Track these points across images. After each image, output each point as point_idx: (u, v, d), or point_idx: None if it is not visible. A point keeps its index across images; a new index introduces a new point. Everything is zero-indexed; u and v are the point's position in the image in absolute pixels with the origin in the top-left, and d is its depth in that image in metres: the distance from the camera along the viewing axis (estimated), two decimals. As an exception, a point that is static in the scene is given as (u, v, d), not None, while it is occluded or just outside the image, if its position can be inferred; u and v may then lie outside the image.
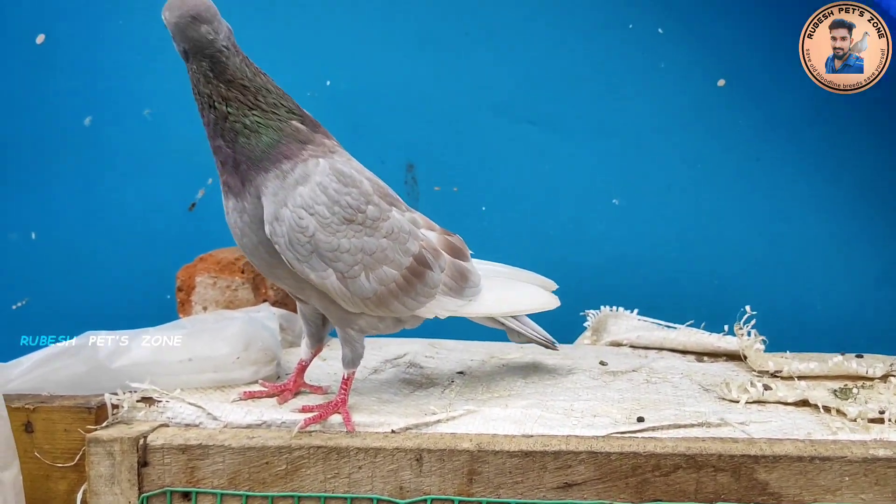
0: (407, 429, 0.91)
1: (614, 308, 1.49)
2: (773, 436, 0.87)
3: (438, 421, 0.92)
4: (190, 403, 0.98)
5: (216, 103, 0.89)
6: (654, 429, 0.89)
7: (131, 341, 1.03)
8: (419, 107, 1.67)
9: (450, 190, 1.69)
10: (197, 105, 0.91)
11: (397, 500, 0.87)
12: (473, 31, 1.64)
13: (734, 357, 1.27)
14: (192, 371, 1.05)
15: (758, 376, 1.11)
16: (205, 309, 1.39)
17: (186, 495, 0.90)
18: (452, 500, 0.86)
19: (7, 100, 1.70)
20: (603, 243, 1.64)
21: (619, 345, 1.41)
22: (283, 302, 1.42)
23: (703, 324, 1.37)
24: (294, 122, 0.93)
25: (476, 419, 0.93)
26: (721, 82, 1.59)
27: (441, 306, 1.01)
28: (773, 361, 1.12)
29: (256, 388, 1.04)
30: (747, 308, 1.23)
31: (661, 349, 1.36)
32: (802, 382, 1.04)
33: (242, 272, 1.39)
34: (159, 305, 1.66)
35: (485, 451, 0.85)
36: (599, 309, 1.49)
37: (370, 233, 0.94)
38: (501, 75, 1.64)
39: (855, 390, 1.00)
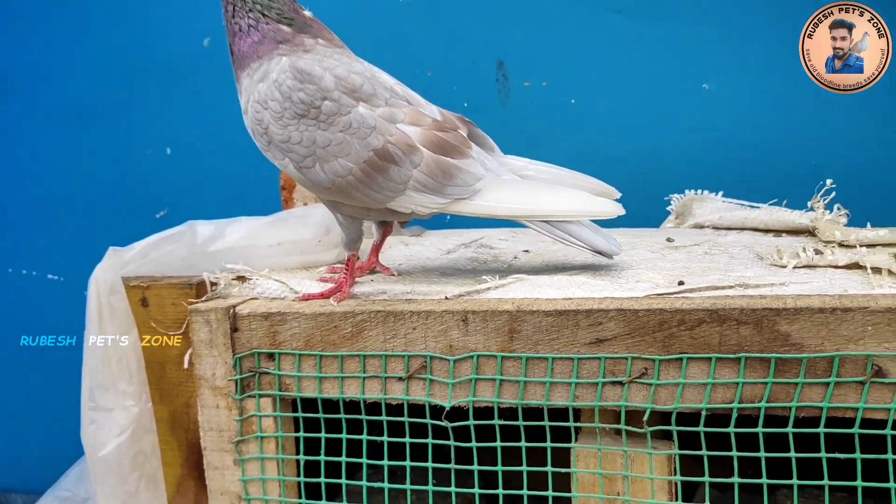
0: (459, 296, 1.00)
1: (699, 191, 1.49)
2: (808, 293, 0.88)
3: (489, 288, 1.00)
4: (275, 280, 1.11)
5: (227, 6, 1.03)
6: (690, 291, 0.92)
7: (226, 228, 1.17)
8: (507, 4, 1.70)
9: (539, 85, 1.72)
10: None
11: (448, 357, 0.96)
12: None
13: (804, 232, 1.26)
14: (280, 254, 1.18)
15: (824, 246, 1.11)
16: (305, 204, 1.52)
17: (271, 356, 1.03)
18: (496, 356, 0.94)
19: (133, 28, 1.88)
20: (693, 129, 1.63)
21: (701, 227, 1.42)
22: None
23: (784, 202, 1.36)
24: (280, 25, 1.03)
25: (524, 286, 1.00)
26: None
27: (414, 202, 1.00)
28: (840, 231, 1.11)
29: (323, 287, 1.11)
30: (827, 181, 1.21)
31: (742, 229, 1.36)
32: (863, 249, 1.04)
33: (336, 170, 1.50)
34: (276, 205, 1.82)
35: (523, 311, 0.92)
36: (684, 193, 1.50)
37: (324, 127, 0.99)
38: (586, -36, 1.64)
39: (917, 254, 0.99)
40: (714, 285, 0.93)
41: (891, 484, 0.82)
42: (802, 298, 0.84)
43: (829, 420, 0.83)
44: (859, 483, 0.83)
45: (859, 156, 1.53)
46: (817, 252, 1.00)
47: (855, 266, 0.97)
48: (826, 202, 1.21)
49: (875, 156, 1.53)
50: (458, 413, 0.97)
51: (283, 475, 1.04)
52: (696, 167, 1.62)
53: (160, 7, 1.87)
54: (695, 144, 1.63)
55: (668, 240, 1.24)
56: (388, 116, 1.00)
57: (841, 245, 1.10)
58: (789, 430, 0.84)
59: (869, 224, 1.25)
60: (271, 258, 1.17)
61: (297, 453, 1.05)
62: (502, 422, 0.95)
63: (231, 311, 1.04)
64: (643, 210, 1.39)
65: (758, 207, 1.39)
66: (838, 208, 1.22)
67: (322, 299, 1.05)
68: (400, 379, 0.98)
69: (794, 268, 0.99)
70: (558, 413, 0.94)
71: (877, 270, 0.94)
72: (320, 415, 1.03)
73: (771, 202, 1.38)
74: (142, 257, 1.13)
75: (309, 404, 1.05)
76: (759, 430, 0.85)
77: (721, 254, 1.12)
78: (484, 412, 0.96)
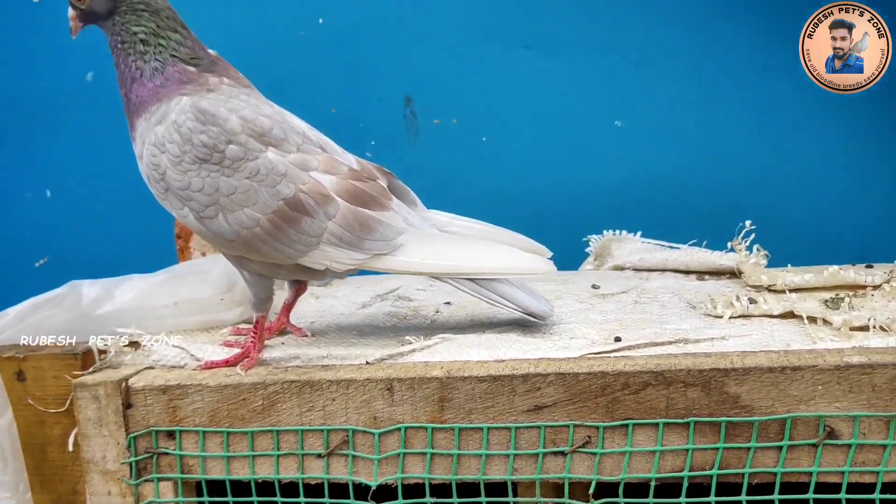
0: (382, 360, 0.91)
1: (617, 232, 1.46)
2: (752, 349, 0.84)
3: (413, 350, 0.92)
4: (173, 346, 0.99)
5: (121, 48, 0.92)
6: (629, 348, 0.87)
7: (115, 288, 1.04)
8: (414, 39, 1.64)
9: (449, 122, 1.66)
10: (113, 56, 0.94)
11: (372, 430, 0.87)
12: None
13: (728, 273, 1.24)
14: (178, 314, 1.06)
15: (754, 291, 1.08)
16: (203, 254, 1.41)
17: (170, 434, 0.92)
18: (426, 428, 0.86)
19: (10, 60, 1.72)
20: (607, 167, 1.61)
21: (621, 269, 1.38)
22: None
23: (704, 242, 1.34)
24: (187, 66, 0.93)
25: (451, 346, 0.92)
26: (720, -11, 1.53)
27: (329, 258, 0.91)
28: (766, 275, 1.09)
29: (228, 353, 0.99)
30: (747, 223, 1.20)
31: (663, 270, 1.33)
32: (793, 294, 1.01)
33: (237, 216, 1.39)
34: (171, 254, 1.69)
35: (454, 377, 0.85)
36: (602, 233, 1.46)
37: (229, 173, 0.90)
38: (492, 3, 1.60)
39: (847, 299, 0.97)
40: (653, 341, 0.88)
41: (847, 550, 0.78)
42: (749, 356, 0.80)
43: (784, 486, 0.78)
44: (815, 551, 0.79)
45: (774, 193, 1.54)
46: (751, 301, 0.97)
47: (789, 315, 0.94)
48: (747, 244, 1.20)
49: (789, 193, 1.54)
50: (385, 491, 0.88)
51: (188, 570, 0.93)
52: (611, 206, 1.59)
53: (39, 37, 1.72)
54: (609, 183, 1.61)
55: (594, 286, 1.19)
56: (300, 163, 0.91)
57: (769, 289, 1.08)
58: (743, 497, 0.79)
59: (789, 264, 1.24)
60: (167, 319, 1.06)
61: (203, 543, 0.93)
62: (434, 500, 0.87)
63: (123, 384, 0.92)
64: (560, 251, 1.34)
65: (678, 248, 1.36)
66: (758, 249, 1.21)
67: (227, 367, 0.95)
68: (319, 456, 0.89)
69: (730, 318, 0.95)
70: (495, 487, 0.86)
71: (812, 320, 0.91)
72: (229, 498, 0.92)
73: (690, 242, 1.36)
74: (17, 323, 1.00)
75: (215, 487, 0.93)
76: (712, 499, 0.80)
77: (651, 302, 1.07)
78: (414, 489, 0.87)
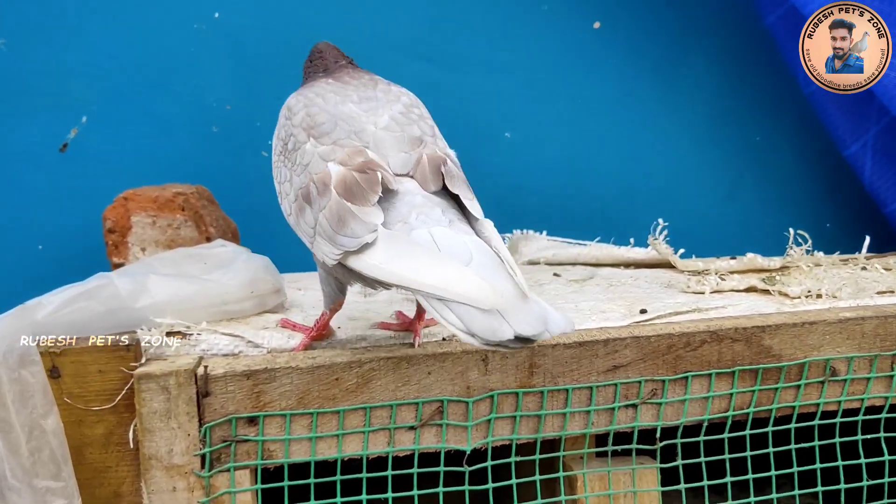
0: (454, 336, 0.98)
1: (524, 231, 1.63)
2: (746, 313, 1.06)
3: (479, 328, 1.00)
4: (224, 334, 0.97)
5: None
6: (660, 317, 1.04)
7: (146, 281, 0.99)
8: (315, 40, 1.67)
9: (349, 126, 1.72)
10: None
11: (465, 399, 0.94)
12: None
13: (642, 265, 1.47)
14: (203, 306, 1.03)
15: (691, 275, 1.31)
16: (143, 250, 1.33)
17: (252, 420, 0.91)
18: (516, 393, 0.95)
19: None
20: (498, 174, 1.77)
21: (535, 263, 1.55)
22: (227, 239, 1.39)
23: (613, 238, 1.56)
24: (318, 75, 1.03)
25: (511, 323, 1.02)
26: (596, 24, 1.77)
27: (322, 251, 0.86)
28: (701, 262, 1.33)
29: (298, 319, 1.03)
30: (660, 220, 1.42)
31: (575, 264, 1.52)
32: (736, 275, 1.26)
33: (183, 209, 1.34)
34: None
35: (543, 345, 0.95)
36: (512, 232, 1.63)
37: (286, 163, 0.94)
38: (399, 16, 1.70)
39: (777, 278, 1.23)
40: (676, 311, 1.06)
41: (839, 462, 1.02)
42: (775, 316, 1.01)
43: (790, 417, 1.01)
44: (818, 465, 1.01)
45: (636, 195, 1.81)
46: (721, 279, 1.19)
47: (752, 289, 1.18)
48: (663, 238, 1.43)
49: (650, 195, 1.81)
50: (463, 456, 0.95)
51: (276, 556, 0.92)
52: (505, 208, 1.76)
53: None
54: (502, 186, 1.77)
55: (556, 275, 1.35)
56: (325, 154, 0.89)
57: (703, 273, 1.32)
58: (769, 429, 1.00)
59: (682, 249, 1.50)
60: (198, 311, 1.02)
61: (281, 529, 0.93)
62: (518, 458, 0.96)
63: (202, 371, 0.89)
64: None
65: (585, 244, 1.57)
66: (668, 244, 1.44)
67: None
68: (411, 428, 0.94)
69: (711, 293, 1.16)
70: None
71: (767, 292, 1.16)
72: (311, 480, 0.93)
73: (597, 239, 1.57)
74: (53, 314, 0.91)
75: (293, 471, 0.94)
76: (747, 432, 0.99)
77: (623, 286, 1.26)
78: (501, 450, 0.96)
